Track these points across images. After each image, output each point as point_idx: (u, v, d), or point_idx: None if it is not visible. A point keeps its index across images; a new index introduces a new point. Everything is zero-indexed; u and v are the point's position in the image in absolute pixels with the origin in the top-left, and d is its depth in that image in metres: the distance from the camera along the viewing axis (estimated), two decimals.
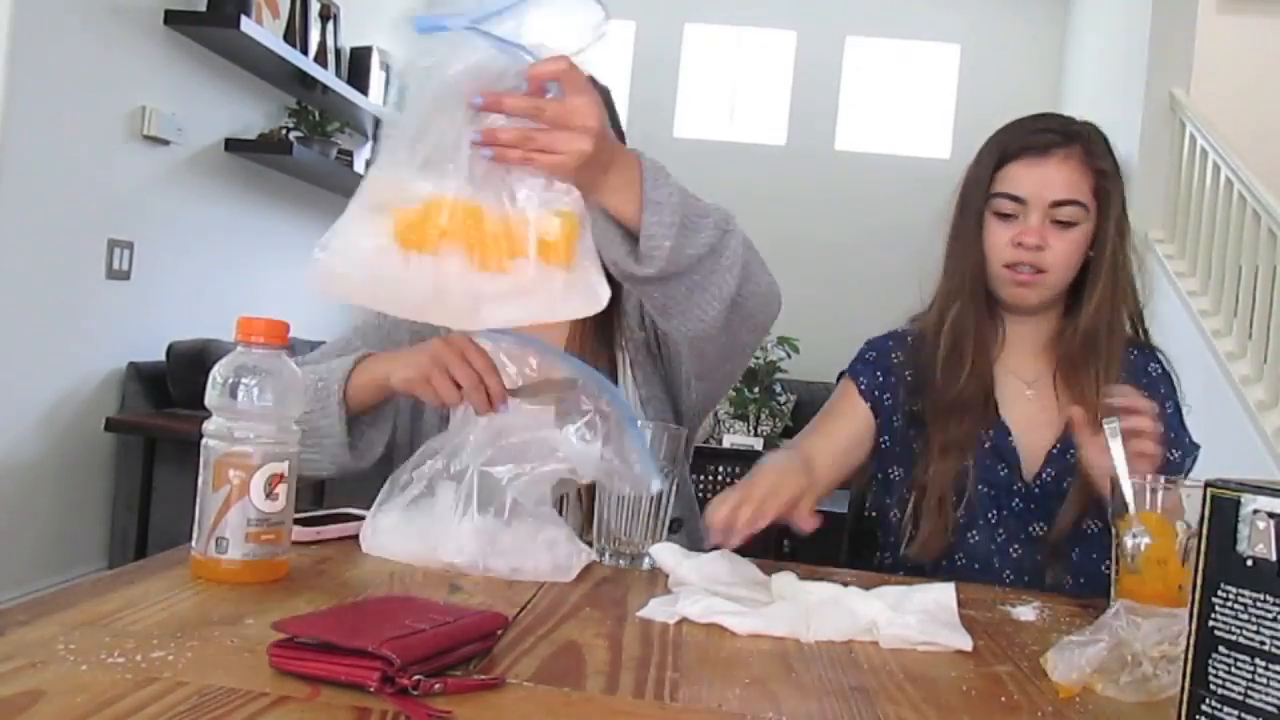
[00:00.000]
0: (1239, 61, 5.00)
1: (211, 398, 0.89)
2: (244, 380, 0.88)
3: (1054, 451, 1.34)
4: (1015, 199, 1.30)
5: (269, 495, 0.88)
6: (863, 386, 1.42)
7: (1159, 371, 1.40)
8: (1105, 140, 1.34)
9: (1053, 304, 1.36)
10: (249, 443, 0.88)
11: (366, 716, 0.60)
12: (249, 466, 0.88)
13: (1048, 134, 1.31)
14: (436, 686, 0.63)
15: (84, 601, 0.77)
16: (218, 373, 0.89)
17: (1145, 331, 1.41)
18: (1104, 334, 1.32)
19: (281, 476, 0.89)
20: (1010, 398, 1.37)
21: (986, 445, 1.35)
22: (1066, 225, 1.29)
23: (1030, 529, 1.33)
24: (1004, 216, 1.31)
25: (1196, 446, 1.36)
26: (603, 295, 0.91)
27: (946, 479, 1.32)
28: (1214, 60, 4.61)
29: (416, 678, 0.62)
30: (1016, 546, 1.34)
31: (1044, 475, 1.33)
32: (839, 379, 1.46)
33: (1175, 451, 1.32)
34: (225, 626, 0.74)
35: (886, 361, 1.42)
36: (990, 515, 1.34)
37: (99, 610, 0.75)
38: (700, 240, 0.99)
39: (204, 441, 0.89)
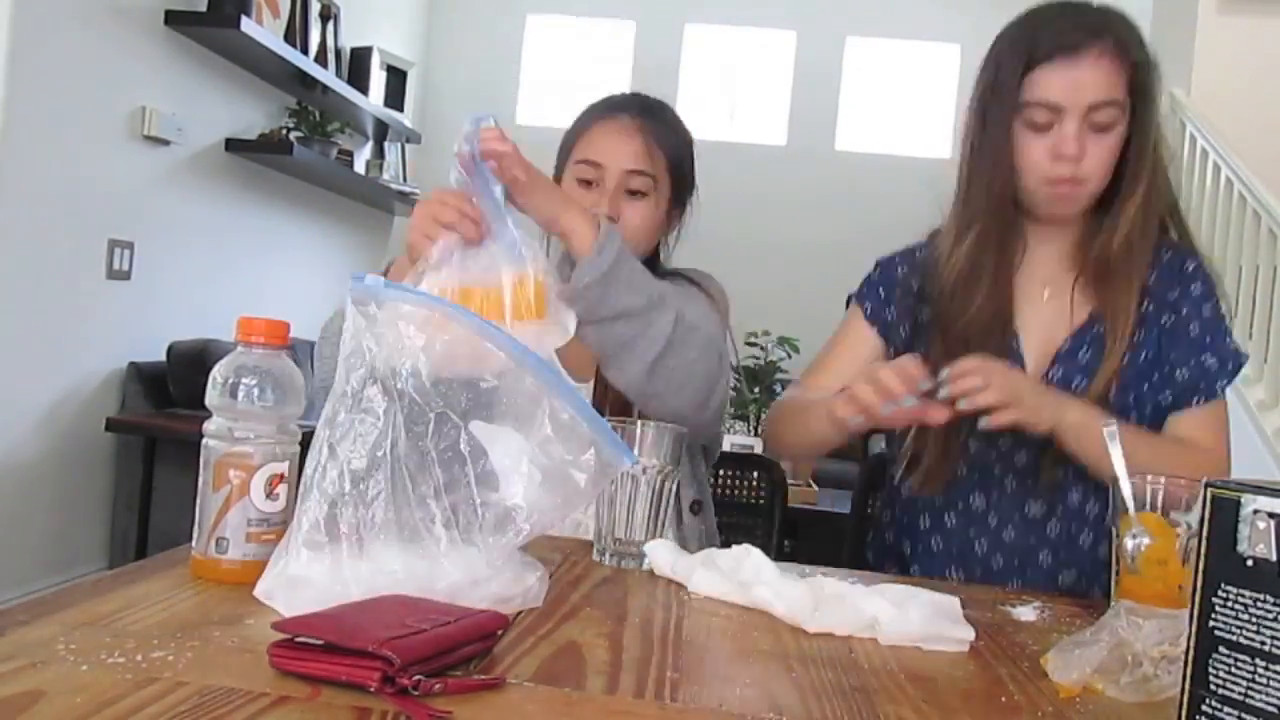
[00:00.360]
0: (1239, 61, 4.99)
1: (211, 398, 0.89)
2: (244, 380, 0.88)
3: (1062, 351, 1.29)
4: (1051, 107, 1.19)
5: (269, 495, 0.88)
6: (868, 311, 1.39)
7: (1193, 269, 1.30)
8: (1135, 28, 1.24)
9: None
10: (249, 443, 0.88)
11: (367, 716, 0.60)
12: (249, 467, 0.88)
13: (1078, 31, 1.19)
14: (437, 687, 0.63)
15: (84, 601, 0.77)
16: (218, 373, 0.89)
17: (1184, 229, 1.32)
18: (1138, 237, 1.25)
19: (282, 476, 0.89)
20: (1025, 300, 1.32)
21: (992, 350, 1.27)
22: (1104, 129, 1.20)
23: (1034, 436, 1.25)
24: (1037, 127, 1.21)
25: (1240, 354, 1.28)
26: (570, 327, 1.11)
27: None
28: (1214, 60, 4.60)
29: (417, 678, 0.62)
30: (1021, 452, 1.29)
31: (1050, 375, 1.29)
32: (848, 303, 1.44)
33: (1210, 358, 1.26)
34: (225, 626, 0.74)
35: (891, 278, 1.40)
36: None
37: (99, 610, 0.75)
38: (627, 300, 1.16)
39: (204, 441, 0.89)
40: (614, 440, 0.89)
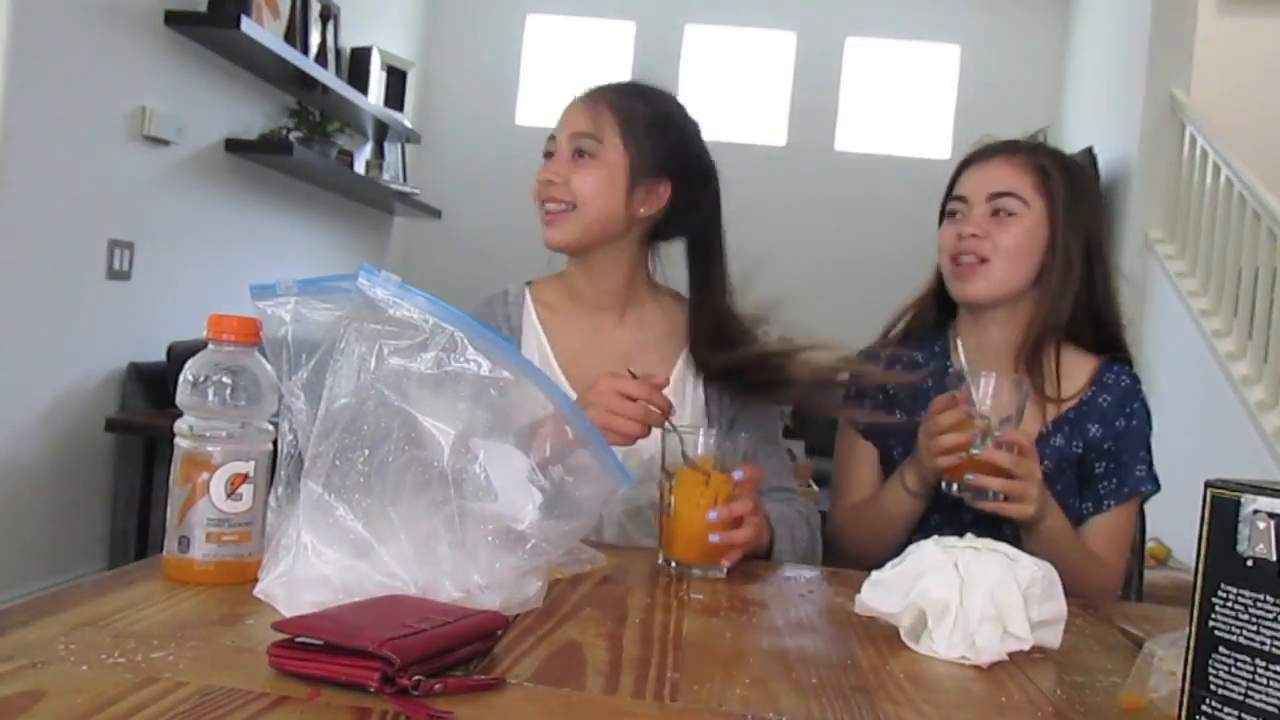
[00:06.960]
0: (1239, 62, 4.99)
1: (181, 396, 0.87)
2: (211, 378, 0.86)
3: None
4: (959, 198, 1.38)
5: (230, 495, 0.86)
6: (857, 425, 1.47)
7: (1125, 385, 1.39)
8: (1053, 150, 1.40)
9: (1016, 306, 1.37)
10: (212, 441, 0.86)
11: (367, 716, 0.60)
12: (210, 466, 0.86)
13: (995, 144, 1.40)
14: (437, 687, 0.63)
15: (84, 601, 0.77)
16: (187, 371, 0.87)
17: (1124, 346, 1.42)
18: (1053, 330, 1.36)
19: (245, 476, 0.87)
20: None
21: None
22: (1007, 216, 1.34)
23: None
24: (951, 216, 1.39)
25: (1154, 481, 1.38)
26: None
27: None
28: (1214, 60, 4.60)
29: (417, 678, 0.62)
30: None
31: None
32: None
33: (1140, 469, 1.37)
34: (225, 626, 0.74)
35: (862, 386, 1.46)
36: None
37: (99, 610, 0.75)
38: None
39: (175, 440, 0.88)
40: (614, 461, 0.89)
